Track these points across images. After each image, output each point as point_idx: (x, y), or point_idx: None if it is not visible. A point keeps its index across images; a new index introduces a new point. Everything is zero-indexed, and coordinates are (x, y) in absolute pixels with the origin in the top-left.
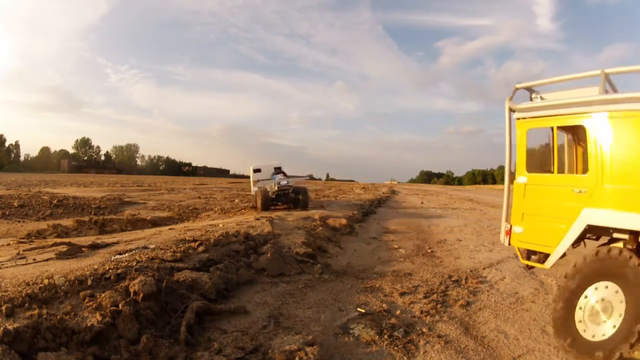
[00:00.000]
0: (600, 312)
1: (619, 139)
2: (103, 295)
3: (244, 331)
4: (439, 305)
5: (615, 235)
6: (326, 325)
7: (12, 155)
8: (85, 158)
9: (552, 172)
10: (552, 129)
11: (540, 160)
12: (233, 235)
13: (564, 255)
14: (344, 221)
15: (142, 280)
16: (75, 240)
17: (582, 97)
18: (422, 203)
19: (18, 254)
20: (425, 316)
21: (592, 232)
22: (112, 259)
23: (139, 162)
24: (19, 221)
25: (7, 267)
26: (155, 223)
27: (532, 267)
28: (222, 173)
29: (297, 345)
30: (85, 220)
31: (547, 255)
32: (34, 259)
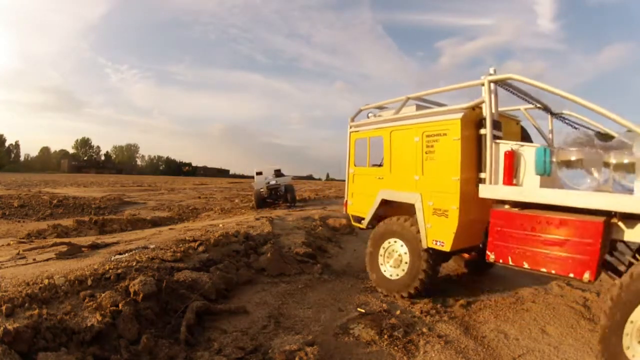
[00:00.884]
0: (388, 257)
1: (394, 145)
2: (103, 295)
3: (244, 331)
4: (439, 305)
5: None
6: (326, 325)
7: (12, 155)
8: (85, 158)
9: (366, 166)
10: (367, 139)
11: (360, 158)
12: (233, 235)
13: (373, 220)
14: (343, 221)
15: (142, 280)
16: (75, 240)
17: (379, 120)
18: None
19: (18, 254)
20: (425, 316)
21: (386, 203)
22: (112, 259)
23: (139, 162)
24: (19, 221)
25: (7, 267)
26: (155, 223)
27: (363, 229)
28: (222, 173)
29: (297, 345)
30: (85, 220)
31: (364, 219)
32: (34, 259)
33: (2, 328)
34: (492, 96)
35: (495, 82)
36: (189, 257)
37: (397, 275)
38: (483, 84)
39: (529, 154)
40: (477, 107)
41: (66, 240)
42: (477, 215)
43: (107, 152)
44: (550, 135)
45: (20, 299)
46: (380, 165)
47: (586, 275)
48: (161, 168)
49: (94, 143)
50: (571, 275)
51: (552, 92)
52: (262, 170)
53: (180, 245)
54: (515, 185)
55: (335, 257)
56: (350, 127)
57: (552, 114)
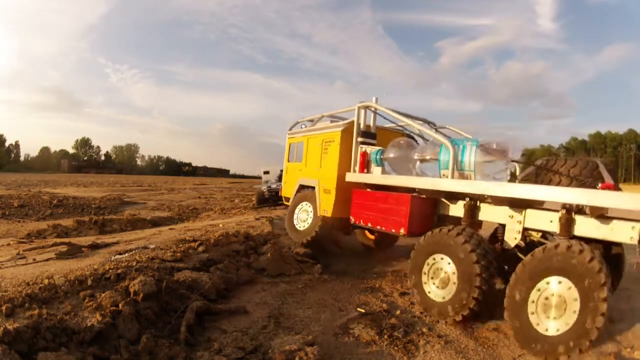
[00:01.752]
0: (301, 214)
1: (309, 148)
2: (103, 295)
3: (244, 331)
4: None
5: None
6: (326, 325)
7: (12, 155)
8: (85, 158)
9: (294, 162)
10: (296, 143)
11: (291, 157)
12: (233, 235)
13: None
14: None
15: (142, 280)
16: (75, 240)
17: (303, 130)
18: None
19: (18, 254)
20: (425, 316)
21: (302, 187)
22: (112, 259)
23: (139, 162)
24: (19, 221)
25: (7, 267)
26: (155, 223)
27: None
28: (222, 173)
29: (297, 345)
30: (85, 220)
31: (289, 199)
32: (34, 259)
33: (2, 328)
34: (362, 116)
35: (363, 107)
36: (189, 257)
37: (303, 227)
38: (354, 109)
39: (374, 153)
40: (350, 124)
41: (66, 240)
42: (348, 194)
43: (107, 152)
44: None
45: (21, 299)
46: (300, 162)
47: (402, 231)
48: (161, 168)
49: (94, 143)
50: (393, 231)
51: (390, 116)
52: (269, 169)
53: (180, 245)
54: (367, 173)
55: (335, 257)
56: (288, 135)
57: (435, 127)
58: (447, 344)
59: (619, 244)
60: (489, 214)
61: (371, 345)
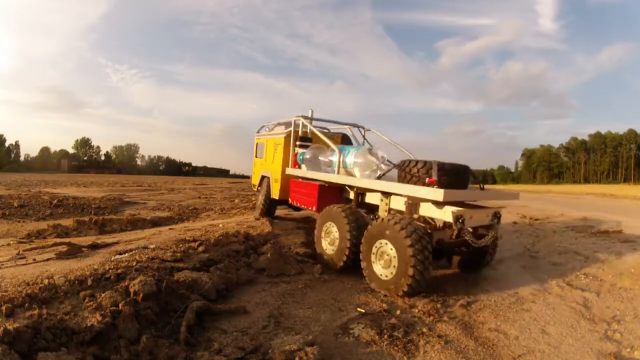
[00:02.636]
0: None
1: (267, 147)
2: (103, 295)
3: (244, 331)
4: (439, 305)
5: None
6: (326, 325)
7: (12, 155)
8: (85, 158)
9: (258, 158)
10: (260, 143)
11: (258, 153)
12: (233, 235)
13: (258, 187)
14: None
15: (142, 280)
16: (75, 240)
17: (265, 133)
18: None
19: (18, 254)
20: (425, 316)
21: (264, 178)
22: (112, 259)
23: (139, 162)
24: (19, 221)
25: (7, 267)
26: (155, 223)
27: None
28: (222, 173)
29: (297, 345)
30: (85, 220)
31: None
32: (34, 259)
33: (2, 328)
34: (301, 124)
35: (302, 117)
36: (189, 257)
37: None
38: (292, 121)
39: (299, 155)
40: (289, 132)
41: (66, 240)
42: (288, 183)
43: (107, 152)
44: (362, 141)
45: (20, 299)
46: (262, 158)
47: (313, 208)
48: (161, 168)
49: (94, 143)
50: (310, 209)
51: (320, 123)
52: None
53: (180, 245)
54: (298, 168)
55: None
56: (255, 136)
57: (364, 129)
58: (447, 344)
59: (491, 225)
60: (369, 198)
61: (371, 345)
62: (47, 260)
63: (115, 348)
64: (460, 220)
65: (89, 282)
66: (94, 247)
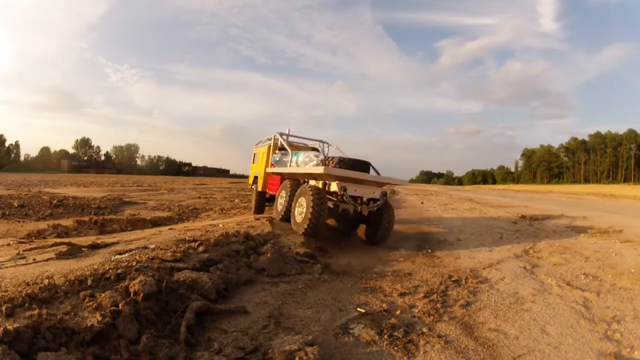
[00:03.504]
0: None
1: (258, 156)
2: (103, 295)
3: (244, 331)
4: (439, 305)
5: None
6: (326, 325)
7: (12, 155)
8: (85, 158)
9: (254, 164)
10: (255, 153)
11: (253, 160)
12: (233, 235)
13: (253, 185)
14: None
15: (142, 280)
16: (75, 240)
17: (258, 145)
18: (422, 203)
19: (18, 254)
20: (426, 316)
21: (255, 177)
22: (112, 259)
23: (139, 162)
24: (19, 221)
25: (7, 267)
26: (155, 223)
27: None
28: (222, 173)
29: (297, 345)
30: (85, 220)
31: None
32: (34, 259)
33: (2, 328)
34: (279, 139)
35: (279, 134)
36: (189, 257)
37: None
38: (273, 136)
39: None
40: (272, 143)
41: (66, 240)
42: (267, 179)
43: (107, 152)
44: (327, 150)
45: (20, 299)
46: (256, 164)
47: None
48: (161, 168)
49: (94, 143)
50: (275, 193)
51: (295, 139)
52: None
53: (180, 245)
54: (274, 167)
55: (335, 257)
56: (253, 147)
57: (328, 145)
58: (447, 344)
59: (378, 200)
60: (312, 182)
61: (371, 345)
62: (47, 260)
63: (115, 348)
64: (342, 188)
65: (89, 282)
66: (94, 247)
